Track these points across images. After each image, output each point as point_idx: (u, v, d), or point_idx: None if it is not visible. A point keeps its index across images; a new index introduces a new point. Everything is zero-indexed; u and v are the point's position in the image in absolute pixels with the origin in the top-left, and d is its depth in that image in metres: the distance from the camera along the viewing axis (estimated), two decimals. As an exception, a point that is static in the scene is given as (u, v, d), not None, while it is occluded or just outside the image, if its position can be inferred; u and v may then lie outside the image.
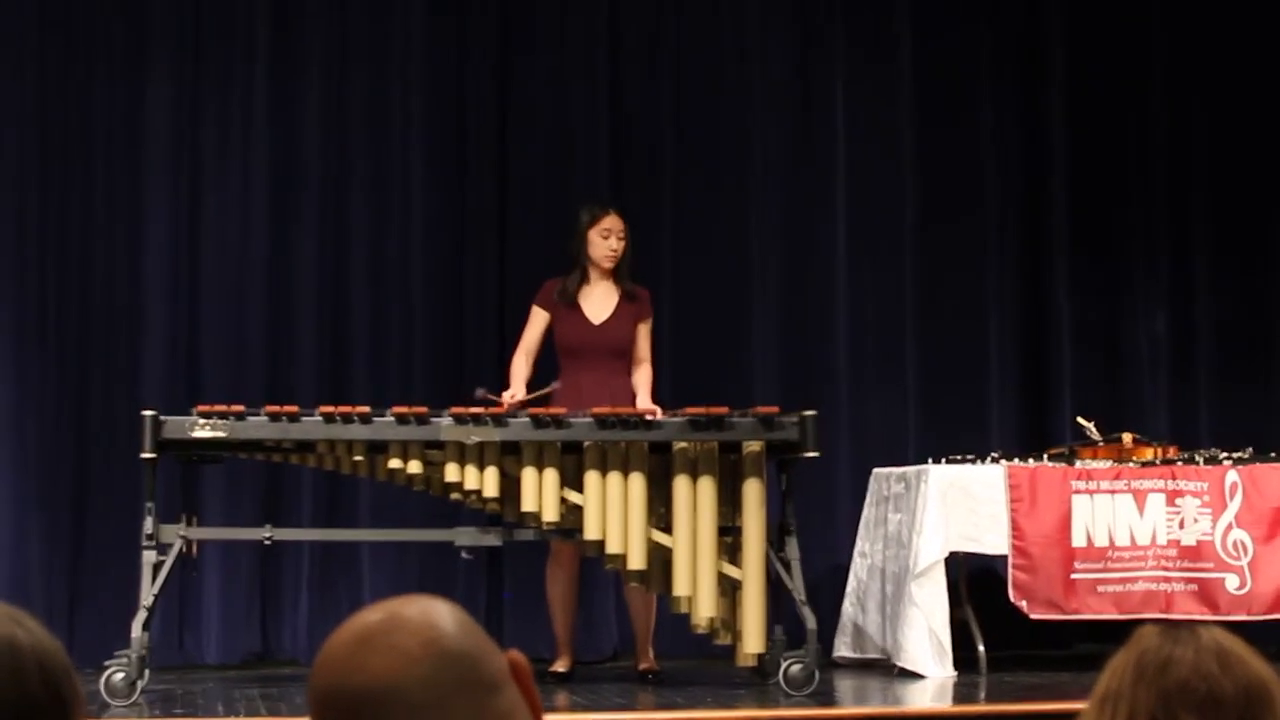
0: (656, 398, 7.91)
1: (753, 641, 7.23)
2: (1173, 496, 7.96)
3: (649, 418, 7.33)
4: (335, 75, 9.13)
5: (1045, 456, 8.19)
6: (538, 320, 8.05)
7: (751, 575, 7.22)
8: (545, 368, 8.03)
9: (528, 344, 8.03)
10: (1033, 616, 7.88)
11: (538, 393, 7.79)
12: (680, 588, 7.21)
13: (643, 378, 7.98)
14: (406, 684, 1.81)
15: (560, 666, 7.93)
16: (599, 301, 8.04)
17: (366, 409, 7.23)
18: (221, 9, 9.06)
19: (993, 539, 7.93)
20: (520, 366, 7.97)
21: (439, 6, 9.27)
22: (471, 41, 9.27)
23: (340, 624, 1.89)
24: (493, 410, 7.37)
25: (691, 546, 7.21)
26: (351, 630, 1.87)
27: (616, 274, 8.04)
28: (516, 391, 7.78)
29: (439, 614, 1.87)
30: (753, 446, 7.30)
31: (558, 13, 9.40)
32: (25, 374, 8.75)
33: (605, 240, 7.99)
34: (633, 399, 7.85)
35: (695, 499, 7.24)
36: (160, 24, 8.97)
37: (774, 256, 9.47)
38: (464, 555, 7.59)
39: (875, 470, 8.59)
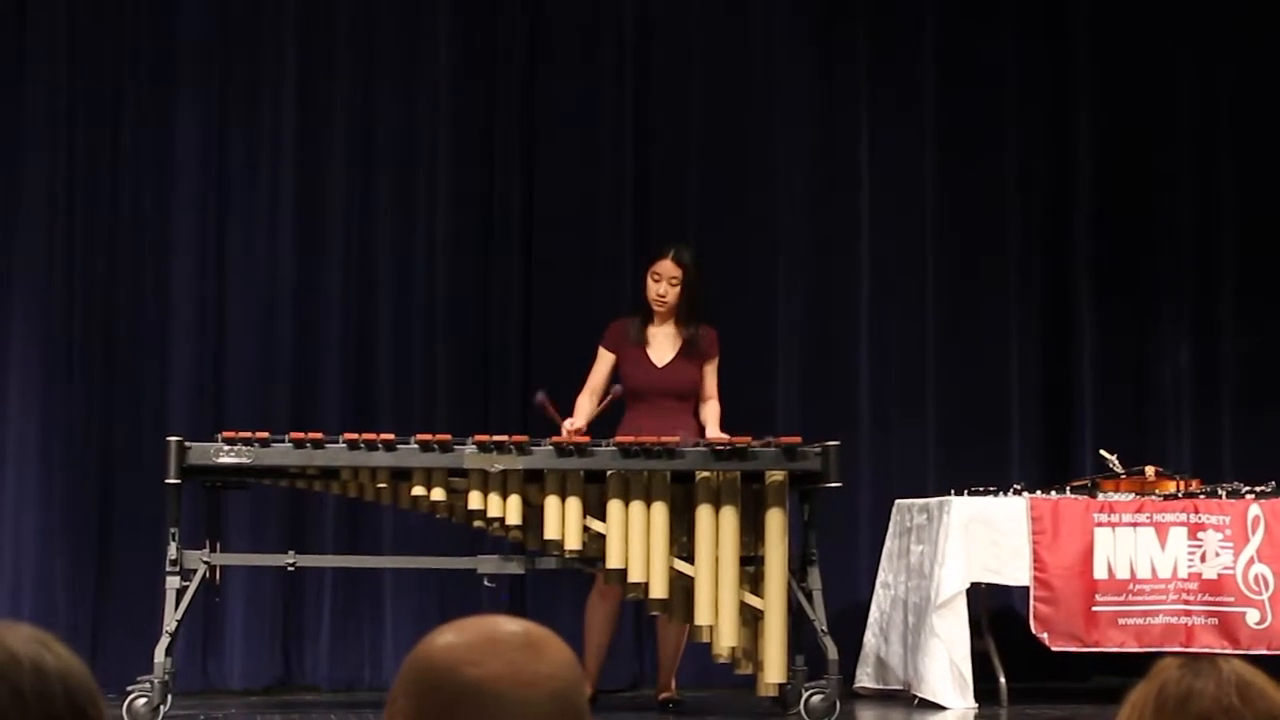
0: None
1: (774, 671, 7.22)
2: (1195, 530, 7.94)
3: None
4: (360, 110, 9.15)
5: (1068, 489, 8.18)
6: (603, 361, 7.98)
7: (773, 605, 7.22)
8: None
9: (593, 384, 7.95)
10: (1054, 648, 7.86)
11: (602, 404, 7.76)
12: (702, 617, 7.21)
13: (711, 412, 7.92)
14: (537, 700, 1.83)
15: (582, 694, 7.91)
16: (662, 344, 7.98)
17: (390, 436, 7.24)
18: (249, 37, 9.09)
19: (1014, 571, 7.92)
20: (585, 404, 7.89)
21: (465, 39, 9.29)
22: (499, 74, 9.29)
23: (423, 636, 1.88)
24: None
25: (713, 576, 7.21)
26: (495, 630, 1.86)
27: (679, 317, 7.96)
28: (578, 420, 7.72)
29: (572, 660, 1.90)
30: (775, 476, 7.30)
31: (585, 44, 9.43)
32: (52, 400, 8.78)
33: (656, 284, 7.92)
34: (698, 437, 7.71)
35: (718, 528, 7.24)
36: (189, 59, 9.00)
37: (798, 289, 9.47)
38: (486, 583, 7.59)
39: (897, 501, 8.59)
